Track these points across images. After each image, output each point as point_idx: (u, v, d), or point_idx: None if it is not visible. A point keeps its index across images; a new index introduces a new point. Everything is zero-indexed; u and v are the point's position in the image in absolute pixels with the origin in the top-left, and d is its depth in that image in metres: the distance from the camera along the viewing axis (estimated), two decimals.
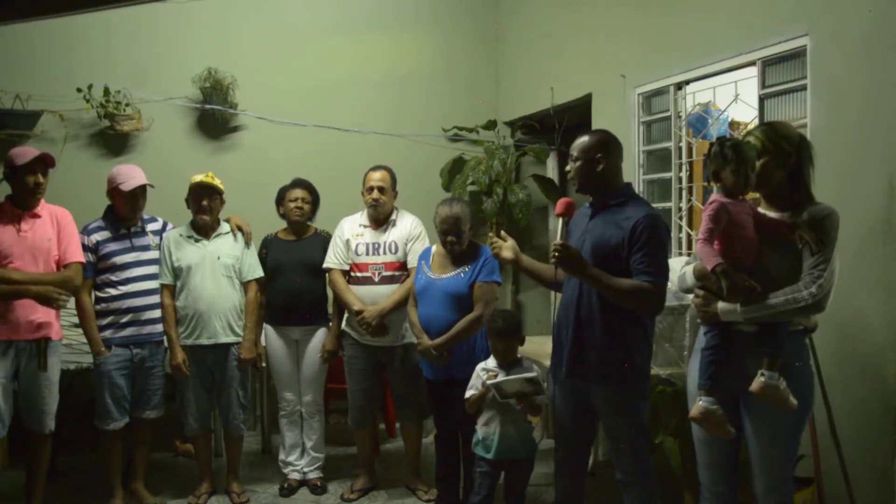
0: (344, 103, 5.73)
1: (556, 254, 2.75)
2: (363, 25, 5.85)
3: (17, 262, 3.49)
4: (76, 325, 3.99)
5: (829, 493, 3.07)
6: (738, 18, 3.65)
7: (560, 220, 2.85)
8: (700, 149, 4.14)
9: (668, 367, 3.58)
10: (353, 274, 4.06)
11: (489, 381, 3.19)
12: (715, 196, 2.55)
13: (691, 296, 2.78)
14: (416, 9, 5.97)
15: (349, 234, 4.09)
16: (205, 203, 3.97)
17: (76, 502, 4.06)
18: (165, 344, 3.99)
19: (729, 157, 2.49)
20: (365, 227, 4.10)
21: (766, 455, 2.55)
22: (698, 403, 2.55)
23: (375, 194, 4.02)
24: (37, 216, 3.61)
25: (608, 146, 2.95)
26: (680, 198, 4.21)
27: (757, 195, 2.69)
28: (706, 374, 2.57)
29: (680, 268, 2.81)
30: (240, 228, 4.12)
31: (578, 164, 2.95)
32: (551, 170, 5.89)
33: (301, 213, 4.18)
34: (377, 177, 4.05)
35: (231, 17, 5.53)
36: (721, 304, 2.53)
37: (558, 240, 2.80)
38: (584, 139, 2.97)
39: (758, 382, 2.44)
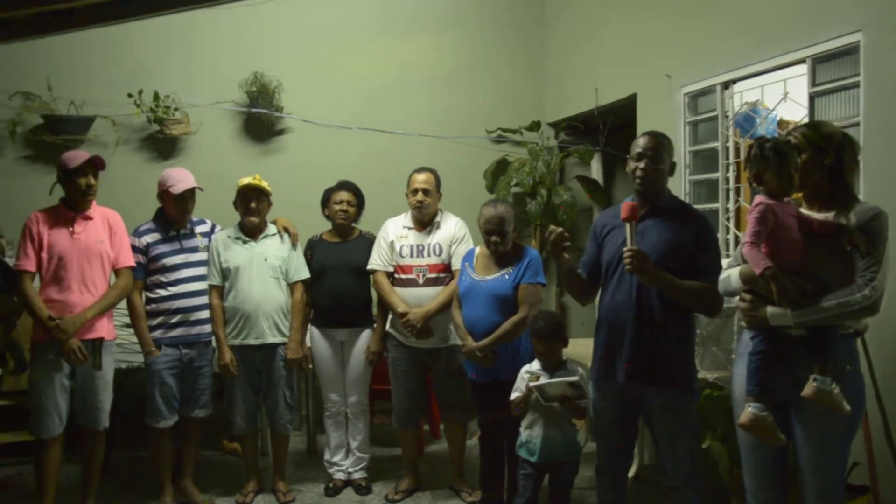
0: (388, 106, 5.77)
1: (631, 259, 2.73)
2: (407, 28, 5.89)
3: (71, 264, 3.58)
4: (128, 325, 4.08)
5: (885, 501, 2.99)
6: (788, 15, 3.58)
7: (627, 224, 2.80)
8: (747, 148, 4.07)
9: (716, 370, 3.53)
10: (397, 276, 4.07)
11: (532, 384, 3.17)
12: (759, 198, 2.50)
13: (736, 299, 2.74)
14: (459, 10, 5.99)
15: (393, 236, 4.10)
16: (252, 205, 4.02)
17: (128, 497, 4.15)
18: (214, 344, 4.05)
19: (770, 159, 2.45)
20: (409, 228, 4.10)
21: (817, 462, 2.49)
22: (747, 410, 2.50)
23: (420, 196, 4.02)
24: (89, 218, 3.70)
25: (671, 149, 2.98)
26: (727, 199, 4.15)
27: (798, 195, 2.64)
28: (754, 380, 2.52)
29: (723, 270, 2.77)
30: (286, 230, 4.16)
31: (658, 165, 2.92)
32: (595, 171, 5.85)
33: (346, 215, 4.20)
34: (422, 179, 4.05)
35: (276, 21, 5.60)
36: (770, 309, 2.48)
37: (629, 245, 2.77)
38: (656, 139, 2.94)
39: (810, 387, 2.38)
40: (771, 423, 2.46)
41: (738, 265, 2.67)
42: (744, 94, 4.07)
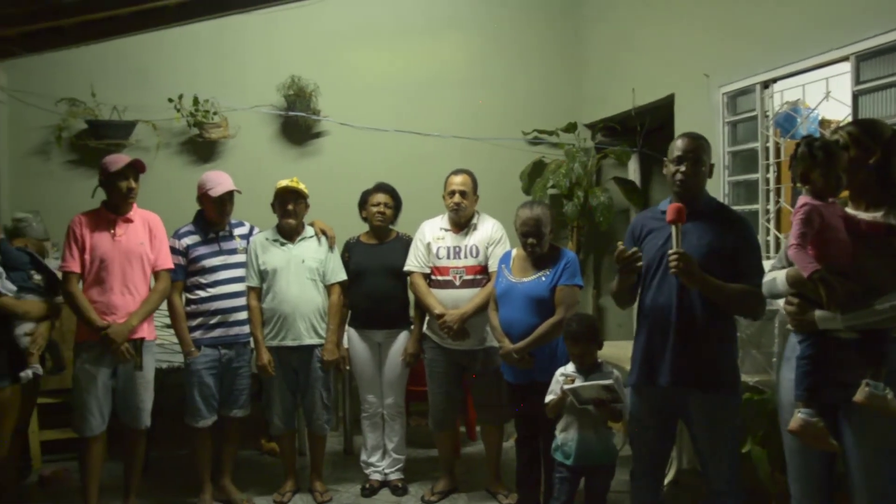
0: (424, 108, 5.80)
1: (676, 262, 2.69)
2: (443, 29, 5.91)
3: (113, 266, 3.64)
4: (168, 326, 4.14)
5: None
6: (830, 11, 3.51)
7: (673, 227, 2.75)
8: (788, 149, 4.01)
9: (756, 374, 3.48)
10: (433, 277, 4.08)
11: (566, 387, 3.15)
12: (804, 198, 2.45)
13: (780, 302, 2.69)
14: (494, 11, 5.99)
15: (430, 238, 4.11)
16: (290, 207, 4.05)
17: (168, 495, 4.21)
18: (252, 345, 4.09)
19: (818, 158, 2.40)
20: (446, 230, 4.10)
21: (869, 468, 2.43)
22: (797, 416, 2.44)
23: (457, 198, 4.02)
24: (130, 221, 3.76)
25: (710, 150, 2.95)
26: (767, 200, 4.08)
27: (844, 194, 2.58)
28: (803, 385, 2.46)
29: (766, 272, 2.73)
30: (324, 232, 4.19)
31: (699, 167, 2.89)
32: (633, 172, 5.80)
33: (383, 217, 4.22)
34: (459, 180, 4.05)
35: (313, 25, 5.66)
36: (819, 312, 2.43)
37: (675, 247, 2.73)
38: (696, 141, 2.90)
39: (862, 392, 2.32)
40: (822, 429, 2.41)
41: (783, 267, 2.62)
42: (784, 94, 4.00)
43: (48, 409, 4.65)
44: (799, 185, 2.52)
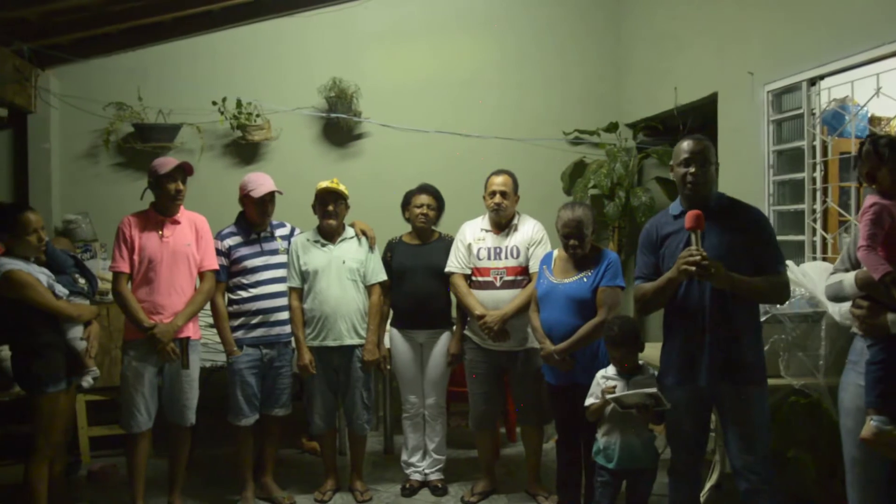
0: (464, 109, 5.81)
1: (704, 263, 2.68)
2: (482, 30, 5.90)
3: (160, 267, 3.71)
4: (211, 326, 4.20)
5: None
6: (880, 4, 3.42)
7: (692, 234, 2.76)
8: (836, 147, 3.92)
9: (802, 376, 3.40)
10: (474, 278, 4.07)
11: (609, 396, 3.12)
12: (872, 197, 2.38)
13: (837, 306, 2.62)
14: (534, 12, 5.96)
15: (471, 239, 4.10)
16: (330, 208, 4.08)
17: (211, 492, 4.27)
18: (293, 345, 4.12)
19: (884, 156, 2.33)
20: (487, 231, 4.09)
21: None
22: (870, 423, 2.38)
23: (498, 199, 4.01)
24: (177, 222, 3.83)
25: (715, 152, 2.98)
26: (813, 199, 3.99)
27: None
28: (875, 391, 2.40)
29: (828, 275, 2.67)
30: (364, 233, 4.21)
31: (708, 168, 2.89)
32: None
33: (426, 219, 4.22)
34: (500, 181, 4.04)
35: (354, 27, 5.71)
36: (891, 315, 2.36)
37: (696, 250, 2.72)
38: (702, 143, 2.93)
39: (868, 429, 2.26)
40: None
41: (846, 269, 2.56)
42: (832, 91, 3.91)
43: (96, 405, 4.77)
44: (864, 184, 2.46)
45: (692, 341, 2.91)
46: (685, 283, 2.89)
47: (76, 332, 3.53)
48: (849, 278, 2.50)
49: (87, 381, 3.55)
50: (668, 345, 3.05)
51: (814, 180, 3.99)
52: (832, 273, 2.62)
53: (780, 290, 2.88)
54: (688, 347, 2.94)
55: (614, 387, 3.16)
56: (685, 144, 2.94)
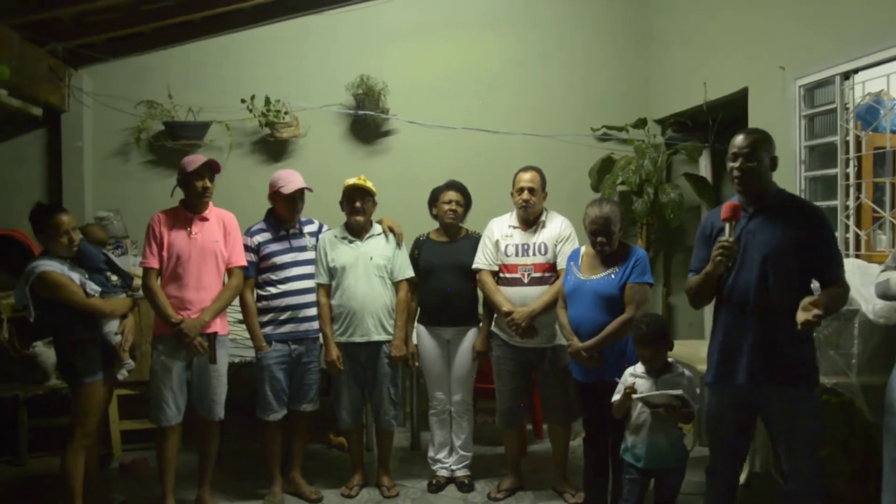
0: (492, 105, 5.79)
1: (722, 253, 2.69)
2: (509, 25, 5.88)
3: (189, 263, 3.76)
4: (240, 322, 4.23)
5: None
6: None
7: (728, 224, 2.77)
8: (870, 142, 3.85)
9: (834, 375, 3.35)
10: (502, 275, 4.06)
11: (636, 396, 3.11)
12: None
13: (871, 304, 2.58)
14: (561, 7, 5.93)
15: (498, 235, 4.09)
16: (358, 205, 4.09)
17: (240, 486, 4.31)
18: (321, 341, 4.15)
19: None
20: (514, 228, 4.08)
21: None
22: None
23: (526, 195, 4.00)
24: (205, 219, 3.87)
25: (772, 145, 2.90)
26: (847, 195, 3.92)
27: None
28: None
29: (878, 272, 2.63)
30: (391, 229, 4.22)
31: (755, 163, 2.85)
32: (704, 168, 5.67)
33: (454, 215, 4.22)
34: (527, 177, 4.03)
35: (379, 25, 5.72)
36: None
37: (727, 241, 2.72)
38: (751, 137, 2.89)
39: None
40: None
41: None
42: (866, 85, 3.84)
43: (127, 399, 4.84)
44: None
45: (733, 338, 2.89)
46: (732, 276, 2.87)
47: (111, 327, 3.66)
48: (894, 277, 2.47)
49: (122, 374, 3.69)
50: (712, 341, 3.03)
51: (847, 176, 3.92)
52: (882, 271, 2.59)
53: (843, 300, 2.80)
54: (728, 344, 2.91)
55: (633, 384, 3.15)
56: (736, 139, 2.92)
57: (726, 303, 2.92)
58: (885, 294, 2.58)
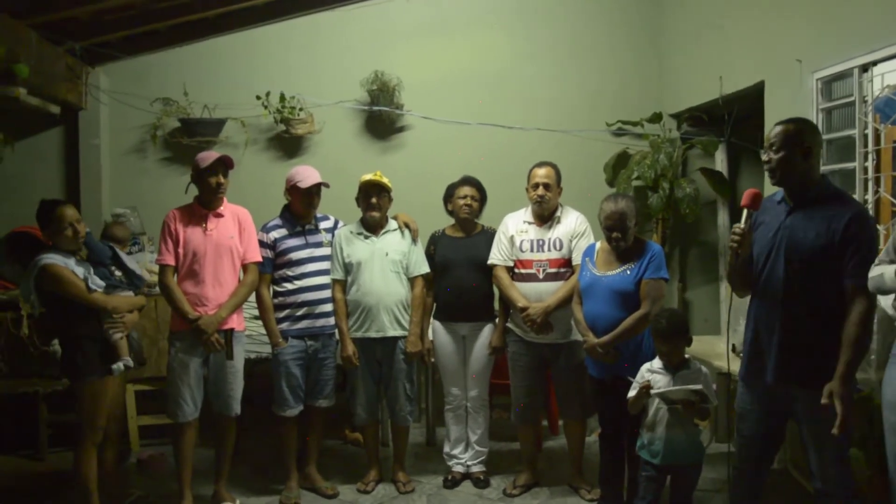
0: (506, 100, 5.78)
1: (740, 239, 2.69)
2: (523, 20, 5.86)
3: (204, 259, 3.77)
4: (256, 318, 4.25)
5: None
6: None
7: (745, 211, 2.74)
8: (889, 136, 3.81)
9: None
10: (517, 271, 4.05)
11: (654, 392, 3.10)
12: None
13: (888, 299, 2.55)
14: (576, 1, 5.90)
15: (513, 231, 4.09)
16: (373, 201, 4.10)
17: (257, 482, 4.33)
18: (337, 336, 4.16)
19: None
20: (529, 223, 4.08)
21: None
22: None
23: (541, 191, 3.99)
24: (220, 215, 3.88)
25: (814, 136, 2.81)
26: (865, 190, 3.89)
27: None
28: None
29: (871, 267, 2.59)
30: (407, 225, 4.22)
31: (782, 154, 2.79)
32: (720, 163, 5.64)
33: (470, 210, 4.22)
34: (542, 173, 4.02)
35: (393, 21, 5.72)
36: None
37: (739, 228, 2.71)
38: (787, 127, 2.82)
39: None
40: None
41: (890, 260, 2.49)
42: (885, 77, 3.80)
43: (145, 395, 4.88)
44: None
45: (762, 336, 2.86)
46: (765, 270, 2.84)
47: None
48: (889, 271, 2.43)
49: (117, 367, 3.58)
50: (746, 331, 3.00)
51: (865, 170, 3.88)
52: (875, 265, 2.55)
53: (864, 332, 2.66)
54: (758, 341, 2.89)
55: (648, 381, 3.14)
56: (772, 130, 2.87)
57: (759, 296, 2.90)
58: (879, 288, 2.54)
